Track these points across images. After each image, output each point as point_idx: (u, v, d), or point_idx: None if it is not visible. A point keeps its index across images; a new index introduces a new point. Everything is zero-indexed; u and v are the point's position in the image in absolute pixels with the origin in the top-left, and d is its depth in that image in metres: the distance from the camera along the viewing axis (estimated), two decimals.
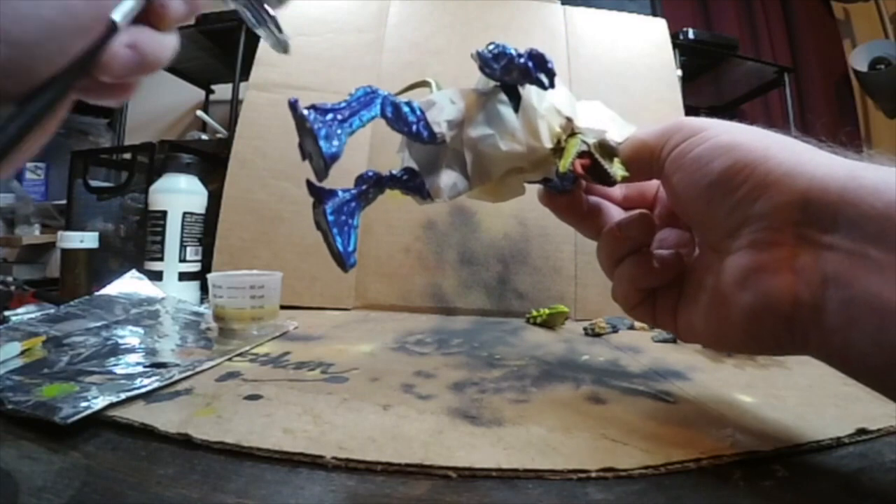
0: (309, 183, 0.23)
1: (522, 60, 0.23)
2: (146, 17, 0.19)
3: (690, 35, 1.54)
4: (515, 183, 0.28)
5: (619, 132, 0.26)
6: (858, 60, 1.73)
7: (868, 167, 0.19)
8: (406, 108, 0.24)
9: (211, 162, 0.67)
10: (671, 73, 0.73)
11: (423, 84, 0.29)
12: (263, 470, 0.20)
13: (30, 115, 0.16)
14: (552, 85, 0.23)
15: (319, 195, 0.23)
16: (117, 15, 0.18)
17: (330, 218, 0.23)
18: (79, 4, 0.17)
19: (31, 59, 0.16)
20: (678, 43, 1.37)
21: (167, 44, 0.20)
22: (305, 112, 0.21)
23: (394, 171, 0.26)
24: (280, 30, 0.25)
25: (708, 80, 1.70)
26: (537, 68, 0.23)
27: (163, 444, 0.22)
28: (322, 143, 0.21)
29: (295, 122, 0.22)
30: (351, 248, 0.23)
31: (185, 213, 0.56)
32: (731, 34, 1.76)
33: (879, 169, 0.18)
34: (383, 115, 0.24)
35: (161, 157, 0.66)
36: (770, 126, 0.22)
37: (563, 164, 0.24)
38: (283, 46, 0.26)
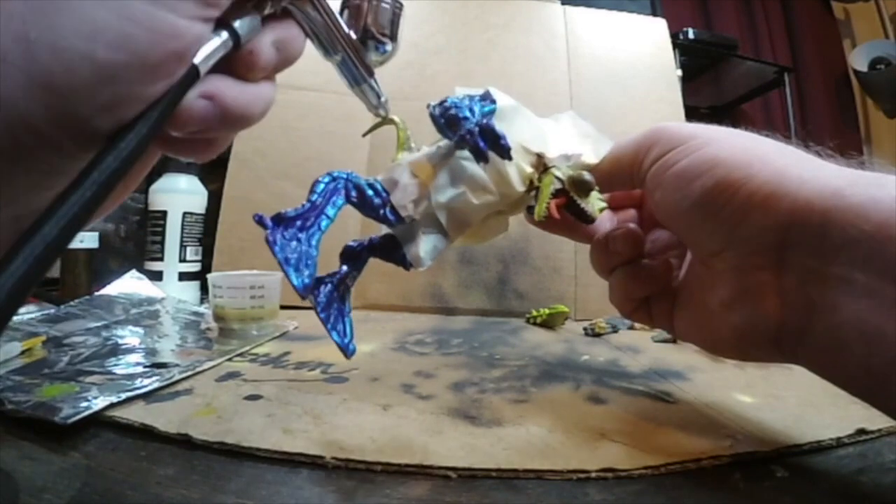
0: (293, 285, 0.21)
1: (473, 140, 0.22)
2: (233, 65, 0.17)
3: (690, 35, 1.55)
4: (496, 223, 0.27)
5: (594, 151, 0.26)
6: (858, 60, 1.73)
7: (858, 181, 0.18)
8: (370, 192, 0.24)
9: (211, 162, 0.67)
10: (671, 73, 0.73)
11: (390, 122, 0.27)
12: (263, 470, 0.20)
13: (103, 170, 0.13)
14: (509, 157, 0.23)
15: (306, 293, 0.22)
16: (197, 59, 0.15)
17: (322, 315, 0.22)
18: (143, 40, 0.13)
19: (82, 107, 0.13)
20: (678, 43, 1.37)
21: (255, 96, 0.17)
22: (270, 238, 0.20)
23: (374, 239, 0.25)
24: (379, 94, 0.23)
25: (708, 80, 1.71)
26: (490, 147, 0.22)
27: (163, 444, 0.22)
28: (292, 276, 0.20)
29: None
30: (348, 339, 0.23)
31: (185, 213, 0.56)
32: (731, 34, 1.77)
33: (870, 184, 0.17)
34: (349, 200, 0.23)
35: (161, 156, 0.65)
36: (770, 126, 0.22)
37: (539, 212, 0.23)
38: (383, 108, 0.24)
